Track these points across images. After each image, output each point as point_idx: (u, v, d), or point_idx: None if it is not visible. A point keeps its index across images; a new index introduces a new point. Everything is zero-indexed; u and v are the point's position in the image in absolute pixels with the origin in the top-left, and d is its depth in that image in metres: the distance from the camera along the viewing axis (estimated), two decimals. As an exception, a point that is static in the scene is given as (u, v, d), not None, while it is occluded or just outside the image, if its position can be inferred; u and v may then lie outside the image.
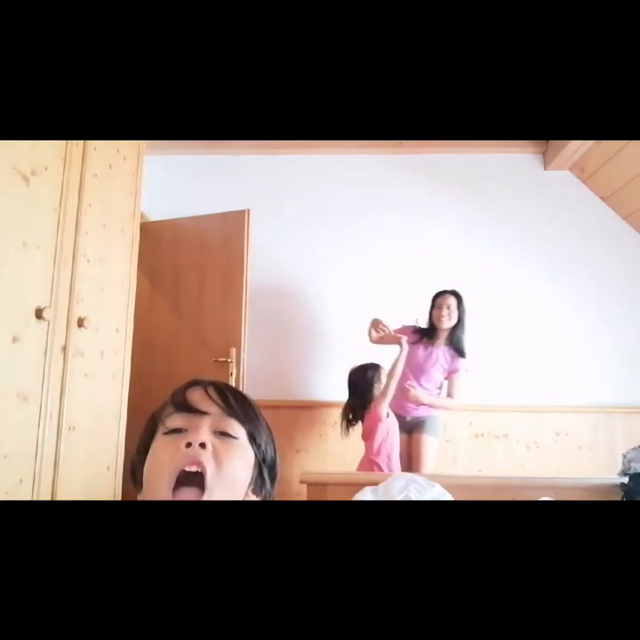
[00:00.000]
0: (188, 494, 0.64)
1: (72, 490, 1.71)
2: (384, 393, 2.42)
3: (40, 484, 1.57)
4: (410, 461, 2.69)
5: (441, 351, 2.74)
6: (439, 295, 2.75)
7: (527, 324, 3.37)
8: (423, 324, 2.81)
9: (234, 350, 2.90)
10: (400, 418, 2.65)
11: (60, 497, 1.64)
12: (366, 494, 1.74)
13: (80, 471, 1.77)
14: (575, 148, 3.19)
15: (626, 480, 1.78)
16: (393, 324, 2.74)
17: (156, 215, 3.31)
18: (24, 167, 1.51)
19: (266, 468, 0.74)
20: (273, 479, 0.75)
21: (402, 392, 2.60)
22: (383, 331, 2.68)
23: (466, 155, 3.50)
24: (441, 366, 2.74)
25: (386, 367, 2.54)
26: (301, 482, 1.89)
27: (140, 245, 2.20)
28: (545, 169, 3.49)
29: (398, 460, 2.49)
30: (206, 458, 0.66)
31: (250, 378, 3.05)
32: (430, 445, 2.71)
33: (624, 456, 1.86)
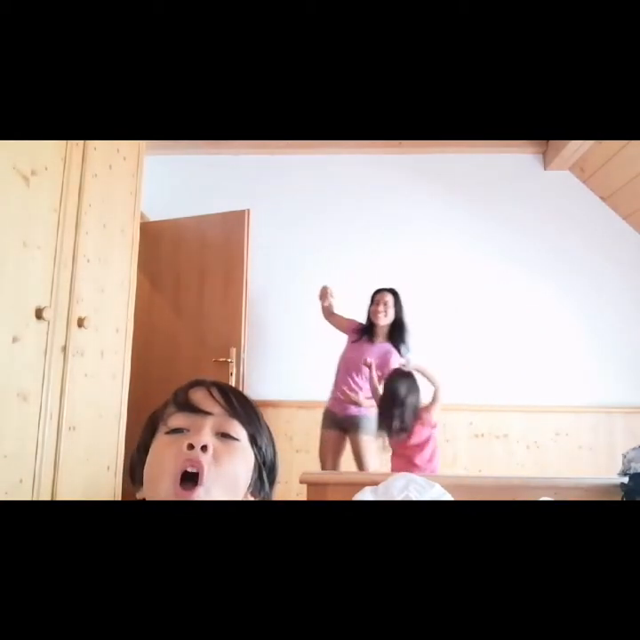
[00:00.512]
0: (189, 494, 0.64)
1: (72, 490, 1.71)
2: (436, 398, 2.35)
3: (40, 484, 1.57)
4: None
5: (377, 348, 2.71)
6: (377, 293, 2.78)
7: (527, 324, 3.37)
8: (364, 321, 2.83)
9: (234, 350, 2.90)
10: (332, 414, 2.76)
11: (60, 497, 1.64)
12: (366, 494, 1.74)
13: (80, 471, 1.77)
14: (575, 148, 3.19)
15: (626, 480, 1.78)
16: (348, 312, 2.83)
17: (156, 215, 3.32)
18: (24, 167, 1.51)
19: (265, 471, 0.74)
20: (272, 481, 0.75)
21: (342, 393, 2.67)
22: (332, 297, 2.82)
23: (466, 155, 3.50)
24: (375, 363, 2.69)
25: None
26: (301, 482, 1.89)
27: (140, 245, 2.20)
28: (545, 169, 3.49)
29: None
30: (207, 460, 0.66)
31: (250, 378, 3.05)
32: (369, 444, 2.70)
33: (624, 456, 1.86)
